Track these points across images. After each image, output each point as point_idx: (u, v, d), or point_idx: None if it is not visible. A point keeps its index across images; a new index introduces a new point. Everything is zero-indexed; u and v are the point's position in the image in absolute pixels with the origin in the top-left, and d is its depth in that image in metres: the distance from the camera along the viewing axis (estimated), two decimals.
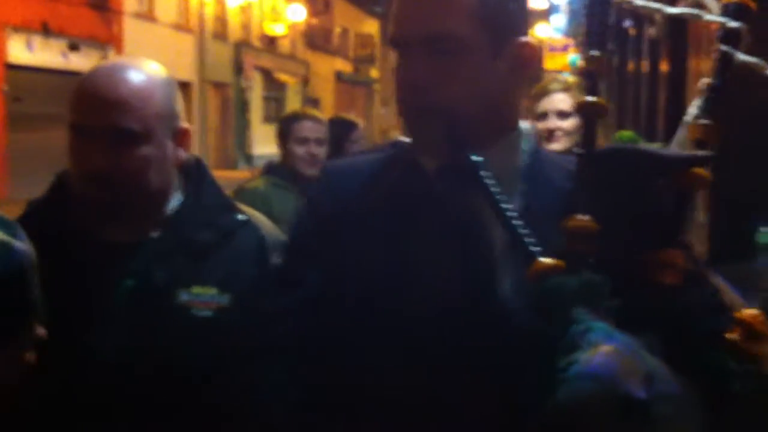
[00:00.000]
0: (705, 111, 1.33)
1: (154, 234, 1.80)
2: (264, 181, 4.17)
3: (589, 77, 1.37)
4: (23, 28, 16.54)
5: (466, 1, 1.41)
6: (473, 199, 1.38)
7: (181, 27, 24.25)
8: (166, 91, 1.80)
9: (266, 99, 30.84)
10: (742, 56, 1.31)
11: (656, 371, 1.18)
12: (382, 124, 40.42)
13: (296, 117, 4.34)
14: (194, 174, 1.88)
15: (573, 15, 27.35)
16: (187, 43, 24.60)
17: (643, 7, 1.39)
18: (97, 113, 1.73)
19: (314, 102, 30.82)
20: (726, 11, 1.33)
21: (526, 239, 1.27)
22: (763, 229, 3.73)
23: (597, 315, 1.21)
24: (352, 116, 5.80)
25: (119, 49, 20.16)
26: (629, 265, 1.27)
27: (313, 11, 35.49)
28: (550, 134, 3.45)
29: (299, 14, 32.82)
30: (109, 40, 20.28)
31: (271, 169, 4.37)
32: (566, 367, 1.16)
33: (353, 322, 1.42)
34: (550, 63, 26.94)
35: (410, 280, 1.41)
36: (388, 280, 1.42)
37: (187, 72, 24.40)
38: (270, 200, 3.87)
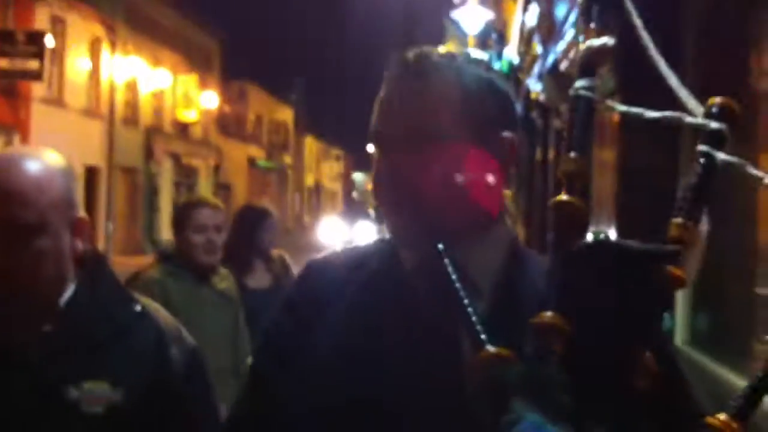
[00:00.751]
0: (683, 211, 1.30)
1: (47, 328, 1.73)
2: (160, 269, 4.03)
3: (568, 179, 1.34)
4: None
5: (448, 97, 1.41)
6: (449, 296, 1.35)
7: (90, 113, 24.08)
8: (63, 180, 1.75)
9: (177, 184, 30.65)
10: (722, 156, 1.30)
11: None
12: (296, 210, 40.42)
13: (193, 204, 4.20)
14: (91, 264, 1.83)
15: None
16: (96, 129, 24.41)
17: (625, 112, 1.38)
18: None
19: (226, 187, 30.72)
20: (708, 113, 1.32)
21: (476, 328, 1.26)
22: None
23: (543, 409, 1.19)
24: (264, 204, 5.69)
25: (25, 134, 19.93)
26: (602, 364, 1.25)
27: (227, 99, 35.67)
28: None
29: (213, 101, 32.94)
30: (15, 125, 20.03)
31: (165, 257, 4.24)
32: None
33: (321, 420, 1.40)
34: None
35: (381, 377, 1.39)
36: (359, 376, 1.40)
37: (95, 157, 24.17)
38: (167, 289, 3.79)
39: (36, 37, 18.98)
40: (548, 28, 10.21)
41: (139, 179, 27.34)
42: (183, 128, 31.47)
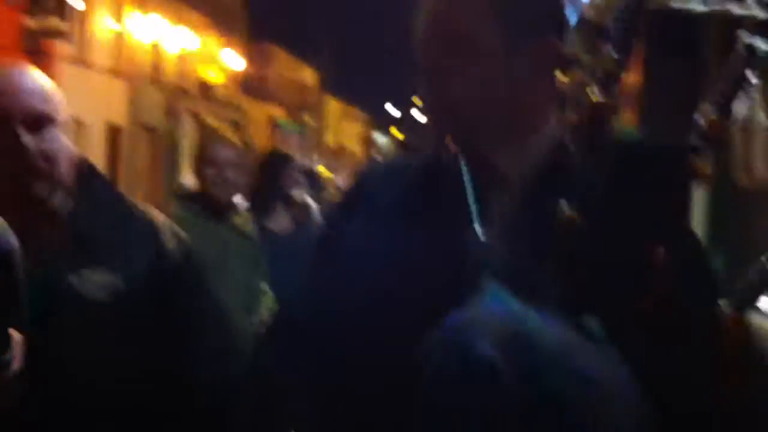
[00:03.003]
0: (717, 107, 1.28)
1: (50, 230, 1.82)
2: (177, 208, 4.05)
3: (604, 78, 1.34)
4: None
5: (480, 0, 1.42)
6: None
7: (115, 72, 24.07)
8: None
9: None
10: (763, 45, 1.27)
11: (551, 345, 1.15)
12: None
13: (210, 141, 4.20)
14: (85, 169, 1.92)
15: None
16: (120, 88, 24.41)
17: (678, 6, 1.35)
18: (12, 102, 1.82)
19: (249, 147, 30.70)
20: (759, 2, 1.31)
21: (470, 210, 1.32)
22: None
23: (527, 297, 1.20)
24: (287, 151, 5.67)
25: None
26: (616, 261, 1.26)
27: (251, 59, 35.54)
28: None
29: (237, 62, 32.82)
30: None
31: (183, 196, 4.29)
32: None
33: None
34: None
35: (396, 274, 1.41)
36: (376, 268, 1.43)
37: (118, 116, 24.19)
38: (184, 226, 3.78)
39: None
40: None
41: (162, 139, 27.35)
42: (206, 88, 31.40)
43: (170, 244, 1.91)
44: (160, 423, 1.84)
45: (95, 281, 1.79)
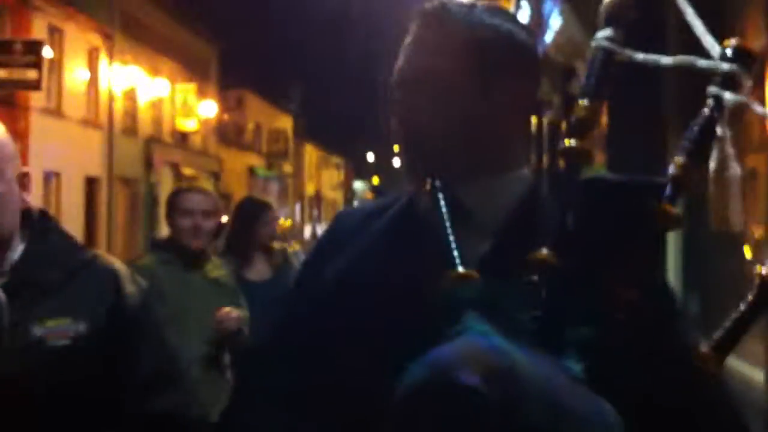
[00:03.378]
0: (686, 152, 1.33)
1: (1, 280, 1.85)
2: (151, 258, 4.11)
3: (578, 125, 1.39)
4: None
5: (457, 42, 1.46)
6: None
7: (89, 123, 24.06)
8: (10, 139, 1.94)
9: None
10: (729, 96, 1.32)
11: (535, 378, 1.16)
12: (296, 220, 40.39)
13: (182, 190, 4.32)
14: (38, 223, 1.96)
15: None
16: (95, 139, 24.39)
17: (643, 60, 1.40)
18: None
19: (226, 197, 30.76)
20: (723, 56, 1.34)
21: (452, 251, 1.32)
22: None
23: (497, 323, 1.22)
24: (264, 199, 5.79)
25: (24, 144, 19.87)
26: (589, 296, 1.29)
27: (225, 107, 35.68)
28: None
29: (211, 110, 32.92)
30: (14, 135, 19.89)
31: (156, 245, 4.33)
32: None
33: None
34: None
35: (376, 307, 1.42)
36: (355, 304, 1.45)
37: (95, 168, 24.15)
38: (159, 277, 3.78)
39: (34, 47, 18.94)
40: (537, 23, 10.76)
41: (139, 189, 27.32)
42: (182, 138, 31.46)
43: (129, 289, 1.95)
44: None
45: (60, 330, 1.84)
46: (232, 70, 36.96)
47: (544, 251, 1.30)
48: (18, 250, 1.90)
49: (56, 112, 22.12)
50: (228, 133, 36.85)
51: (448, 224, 1.36)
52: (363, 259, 1.48)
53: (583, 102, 1.38)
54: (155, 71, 28.28)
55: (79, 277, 1.91)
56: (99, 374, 1.86)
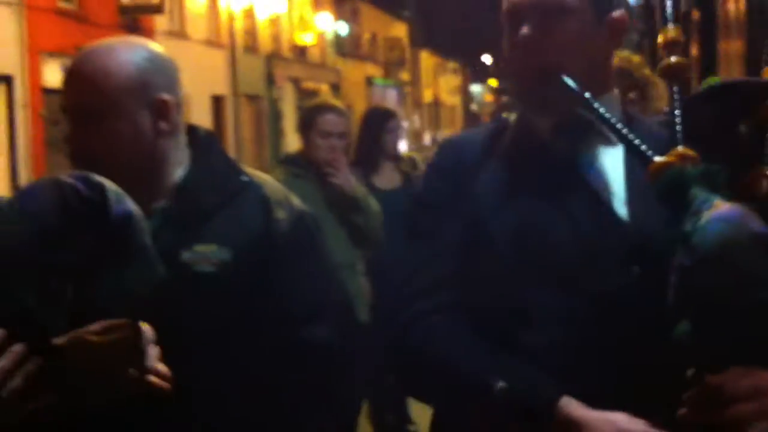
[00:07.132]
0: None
1: (159, 204, 1.84)
2: (282, 171, 4.21)
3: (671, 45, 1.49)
4: (58, 53, 16.89)
5: None
6: (588, 149, 1.60)
7: (212, 43, 24.55)
8: (138, 64, 1.82)
9: (299, 108, 30.99)
10: None
11: None
12: (415, 127, 40.36)
13: (320, 109, 4.33)
14: (203, 144, 1.95)
15: None
16: (219, 59, 24.89)
17: None
18: (67, 92, 1.86)
19: (346, 108, 30.93)
20: None
21: (641, 147, 1.43)
22: None
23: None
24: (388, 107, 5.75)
25: None
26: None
27: (342, 19, 35.67)
28: None
29: (328, 23, 33.01)
30: None
31: (288, 160, 4.45)
32: (692, 227, 1.29)
33: (502, 264, 1.58)
34: None
35: (540, 229, 1.58)
36: (523, 229, 1.58)
37: (220, 86, 24.70)
38: (292, 190, 3.93)
39: None
40: None
41: (262, 106, 27.79)
42: (301, 52, 31.72)
43: (280, 215, 1.92)
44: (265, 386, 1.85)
45: (206, 256, 1.82)
46: None
47: (681, 149, 1.39)
48: (179, 172, 1.89)
49: (180, 34, 22.59)
50: (345, 45, 36.94)
51: (620, 126, 1.46)
52: (507, 194, 1.60)
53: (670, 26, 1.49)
54: None
55: (234, 201, 1.88)
56: (247, 304, 1.83)
